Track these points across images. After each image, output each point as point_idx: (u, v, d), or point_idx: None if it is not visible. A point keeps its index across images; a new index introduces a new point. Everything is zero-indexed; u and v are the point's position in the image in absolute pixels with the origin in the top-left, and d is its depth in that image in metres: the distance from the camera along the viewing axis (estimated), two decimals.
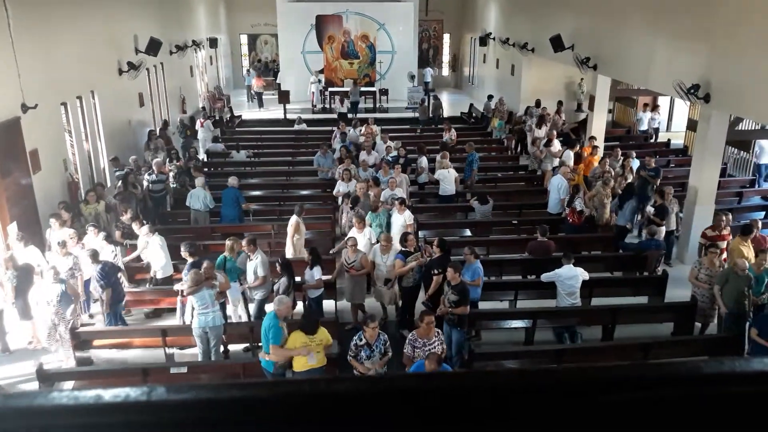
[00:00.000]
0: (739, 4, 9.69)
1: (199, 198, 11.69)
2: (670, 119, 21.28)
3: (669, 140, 18.64)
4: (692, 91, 10.25)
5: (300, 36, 25.85)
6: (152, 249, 9.26)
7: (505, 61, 22.66)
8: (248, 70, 28.95)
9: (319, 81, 25.02)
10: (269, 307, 8.79)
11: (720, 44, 9.97)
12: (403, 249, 8.71)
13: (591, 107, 16.41)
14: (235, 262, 8.63)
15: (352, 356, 6.64)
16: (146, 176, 12.69)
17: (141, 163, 13.86)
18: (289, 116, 22.34)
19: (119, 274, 8.73)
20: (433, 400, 0.61)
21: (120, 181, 12.10)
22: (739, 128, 15.14)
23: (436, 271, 8.08)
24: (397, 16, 26.06)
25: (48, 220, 9.66)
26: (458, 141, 16.94)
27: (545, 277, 8.67)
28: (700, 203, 11.06)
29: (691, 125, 17.32)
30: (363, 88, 24.49)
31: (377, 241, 9.45)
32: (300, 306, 8.77)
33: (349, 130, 17.13)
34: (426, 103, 21.99)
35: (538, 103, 19.50)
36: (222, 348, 8.14)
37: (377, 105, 24.58)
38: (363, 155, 14.15)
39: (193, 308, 7.63)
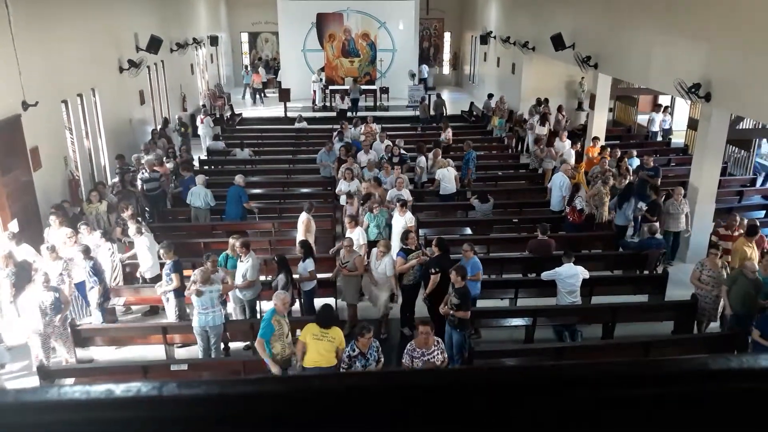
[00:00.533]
0: (739, 3, 9.68)
1: (199, 196, 11.69)
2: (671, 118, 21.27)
3: (669, 139, 18.67)
4: (693, 89, 10.25)
5: (301, 34, 25.84)
6: (139, 249, 9.23)
7: (506, 60, 22.65)
8: (246, 67, 28.97)
9: (321, 79, 25.02)
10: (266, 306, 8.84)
11: (721, 43, 9.97)
12: (404, 247, 8.72)
13: (592, 106, 16.41)
14: (236, 261, 8.62)
15: (345, 369, 6.35)
16: (140, 175, 12.65)
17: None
18: (289, 114, 22.35)
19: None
20: (437, 396, 0.61)
21: (118, 180, 12.11)
22: (740, 127, 15.16)
23: (433, 270, 8.09)
24: (398, 15, 26.05)
25: (48, 217, 9.66)
26: (458, 139, 16.94)
27: (545, 275, 8.67)
28: (700, 202, 11.06)
29: (692, 124, 17.32)
30: (363, 87, 24.48)
31: (369, 243, 9.46)
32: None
33: (351, 129, 17.14)
34: (427, 102, 21.97)
35: (539, 101, 19.50)
36: (222, 345, 8.16)
37: (378, 103, 24.57)
38: (362, 155, 14.13)
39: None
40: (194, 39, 22.49)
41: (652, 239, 10.09)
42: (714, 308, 8.48)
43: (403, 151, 14.33)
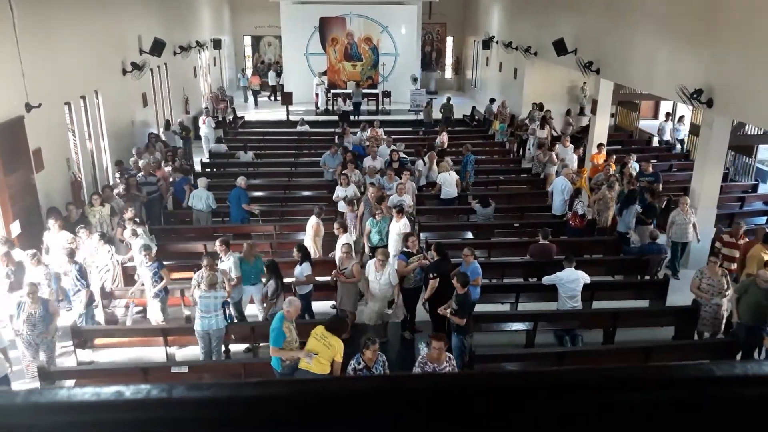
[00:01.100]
0: (742, 9, 9.70)
1: (201, 198, 11.70)
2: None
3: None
4: (695, 95, 10.25)
5: (303, 38, 25.90)
6: (135, 252, 9.17)
7: (508, 65, 22.67)
8: (243, 70, 29.09)
9: (323, 83, 25.07)
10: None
11: (723, 49, 9.98)
12: (404, 250, 8.72)
13: (594, 111, 16.41)
14: (250, 265, 8.60)
15: None
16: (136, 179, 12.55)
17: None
18: (291, 118, 22.38)
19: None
20: (439, 400, 0.62)
21: (123, 185, 12.05)
22: (742, 133, 15.17)
23: (432, 276, 8.08)
24: (401, 19, 26.11)
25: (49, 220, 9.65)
26: (458, 143, 16.94)
27: (546, 280, 8.67)
28: (701, 208, 11.04)
29: (694, 130, 17.30)
30: (365, 90, 24.50)
31: (366, 251, 9.45)
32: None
33: (356, 133, 17.12)
34: (430, 106, 21.97)
35: (540, 107, 19.51)
36: (223, 348, 8.15)
37: (380, 107, 24.60)
38: (368, 160, 13.89)
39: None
40: (197, 42, 22.54)
41: (652, 244, 10.08)
42: (714, 318, 8.36)
43: (402, 155, 14.30)
